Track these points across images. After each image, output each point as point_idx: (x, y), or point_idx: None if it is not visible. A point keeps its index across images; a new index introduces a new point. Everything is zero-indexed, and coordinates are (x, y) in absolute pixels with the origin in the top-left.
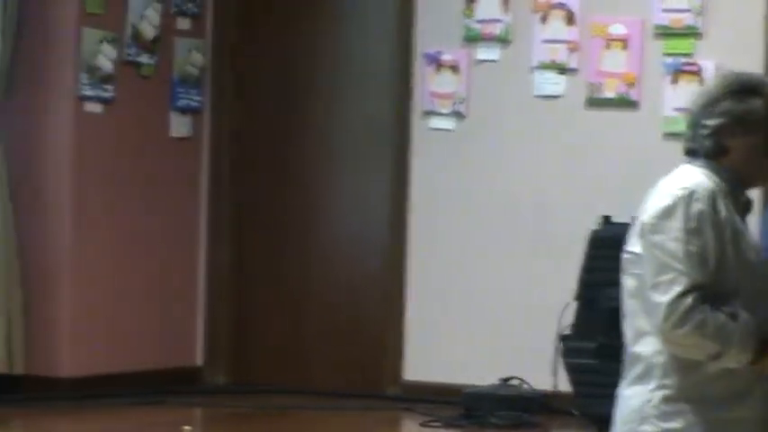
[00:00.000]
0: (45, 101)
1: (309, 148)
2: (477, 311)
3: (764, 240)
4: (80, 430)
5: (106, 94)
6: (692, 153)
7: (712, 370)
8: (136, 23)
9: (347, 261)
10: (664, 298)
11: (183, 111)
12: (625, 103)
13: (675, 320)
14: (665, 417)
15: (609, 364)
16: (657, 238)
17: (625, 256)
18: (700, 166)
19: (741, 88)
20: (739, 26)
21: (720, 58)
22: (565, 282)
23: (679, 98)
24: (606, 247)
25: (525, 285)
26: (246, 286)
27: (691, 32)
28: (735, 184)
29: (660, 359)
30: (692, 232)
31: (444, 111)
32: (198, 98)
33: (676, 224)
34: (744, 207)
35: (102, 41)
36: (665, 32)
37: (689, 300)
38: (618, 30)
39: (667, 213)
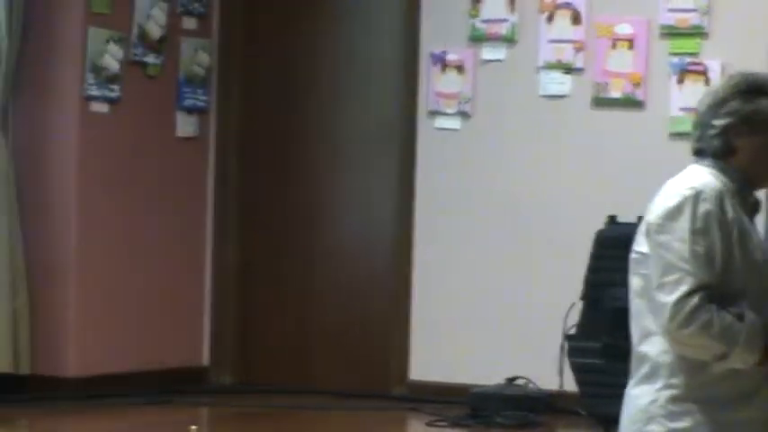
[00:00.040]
0: (51, 101)
1: (315, 148)
2: (483, 311)
3: None
4: (86, 430)
5: (112, 94)
6: (699, 153)
7: (719, 370)
8: (142, 23)
9: (353, 261)
10: (670, 298)
11: (190, 111)
12: (631, 102)
13: (681, 320)
14: (671, 416)
15: (614, 364)
16: (664, 237)
17: (632, 255)
18: (707, 166)
19: (748, 88)
20: (745, 26)
21: (726, 58)
22: (570, 282)
23: (685, 98)
24: (612, 247)
25: (531, 285)
26: (252, 286)
27: (697, 32)
28: (742, 184)
29: (667, 359)
30: (699, 232)
31: (450, 110)
32: (204, 98)
33: (683, 224)
34: (752, 207)
35: (108, 41)
36: (672, 32)
37: (695, 300)
38: (624, 29)
39: (674, 213)
